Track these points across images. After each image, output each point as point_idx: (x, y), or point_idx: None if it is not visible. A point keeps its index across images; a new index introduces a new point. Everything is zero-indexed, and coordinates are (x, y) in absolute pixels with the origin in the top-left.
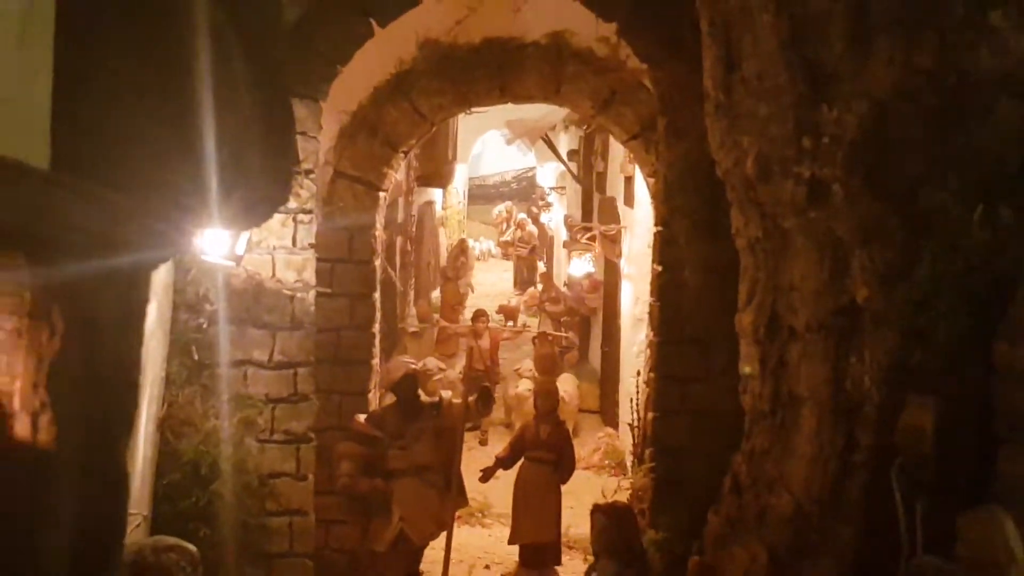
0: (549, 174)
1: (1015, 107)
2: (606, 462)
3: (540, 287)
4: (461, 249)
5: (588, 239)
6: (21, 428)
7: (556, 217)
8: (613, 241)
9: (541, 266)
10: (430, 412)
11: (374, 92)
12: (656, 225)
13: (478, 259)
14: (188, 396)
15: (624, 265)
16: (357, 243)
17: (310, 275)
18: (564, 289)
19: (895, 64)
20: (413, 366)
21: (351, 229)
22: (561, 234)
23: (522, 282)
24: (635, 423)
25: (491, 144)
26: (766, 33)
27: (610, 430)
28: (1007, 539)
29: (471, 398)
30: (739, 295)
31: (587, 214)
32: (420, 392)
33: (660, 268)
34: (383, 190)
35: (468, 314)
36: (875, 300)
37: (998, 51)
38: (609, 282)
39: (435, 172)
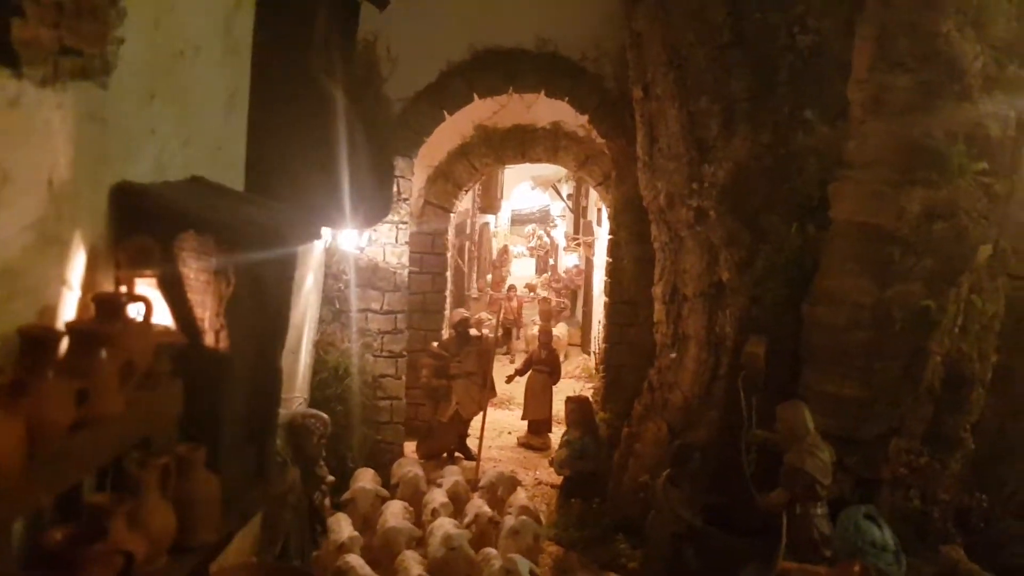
0: (557, 208)
1: (816, 165)
2: (582, 374)
3: (549, 274)
4: (504, 250)
5: (576, 244)
6: (210, 339)
7: (559, 233)
8: (589, 246)
9: (551, 261)
10: (475, 341)
11: (447, 155)
12: (610, 234)
13: (515, 257)
14: (332, 329)
15: (596, 260)
16: (437, 243)
17: (406, 260)
18: (563, 274)
19: (748, 140)
20: (465, 314)
21: (433, 234)
22: (562, 242)
23: (540, 271)
24: (596, 351)
25: (524, 189)
26: (672, 122)
27: (585, 356)
28: (805, 420)
29: (499, 334)
30: (655, 275)
31: (577, 230)
32: (470, 329)
33: (611, 260)
34: (452, 211)
35: (506, 288)
36: (732, 279)
37: (809, 133)
38: (587, 270)
39: (490, 205)
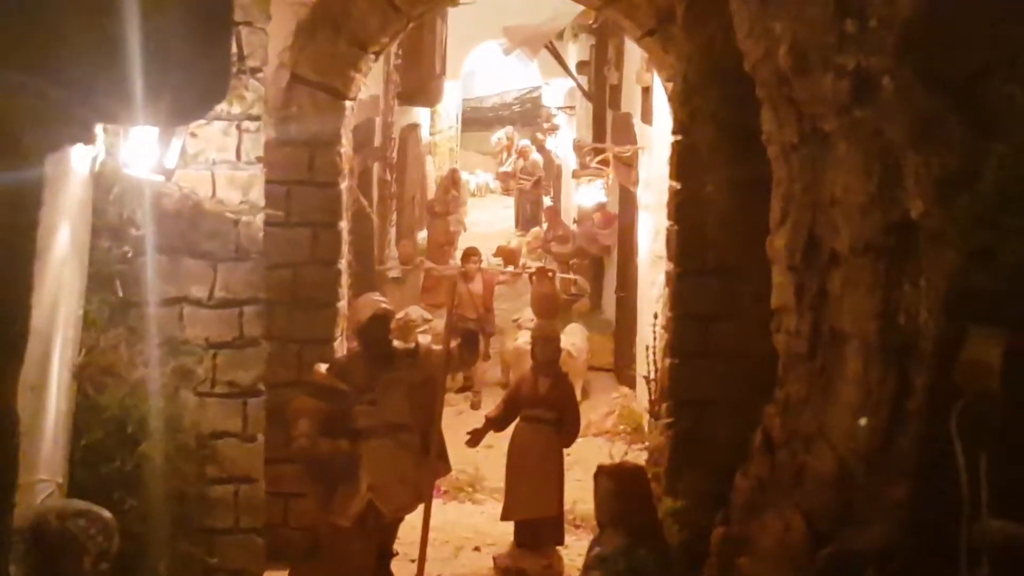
0: (556, 93)
1: None
2: (620, 427)
3: (545, 225)
4: (452, 180)
5: (599, 163)
6: None
7: (564, 143)
8: (628, 165)
9: (547, 201)
10: (405, 361)
11: None
12: (674, 134)
13: (473, 194)
14: (111, 340)
15: (641, 193)
16: (319, 162)
17: (258, 195)
18: (573, 227)
19: None
20: (384, 305)
21: (311, 145)
22: (570, 163)
23: (525, 221)
24: (651, 374)
25: (487, 59)
26: None
27: (625, 389)
28: None
29: (453, 343)
30: (771, 214)
31: (599, 135)
32: (392, 337)
33: (679, 185)
34: (350, 98)
35: (458, 256)
36: (932, 215)
37: None
38: (625, 216)
39: (419, 88)
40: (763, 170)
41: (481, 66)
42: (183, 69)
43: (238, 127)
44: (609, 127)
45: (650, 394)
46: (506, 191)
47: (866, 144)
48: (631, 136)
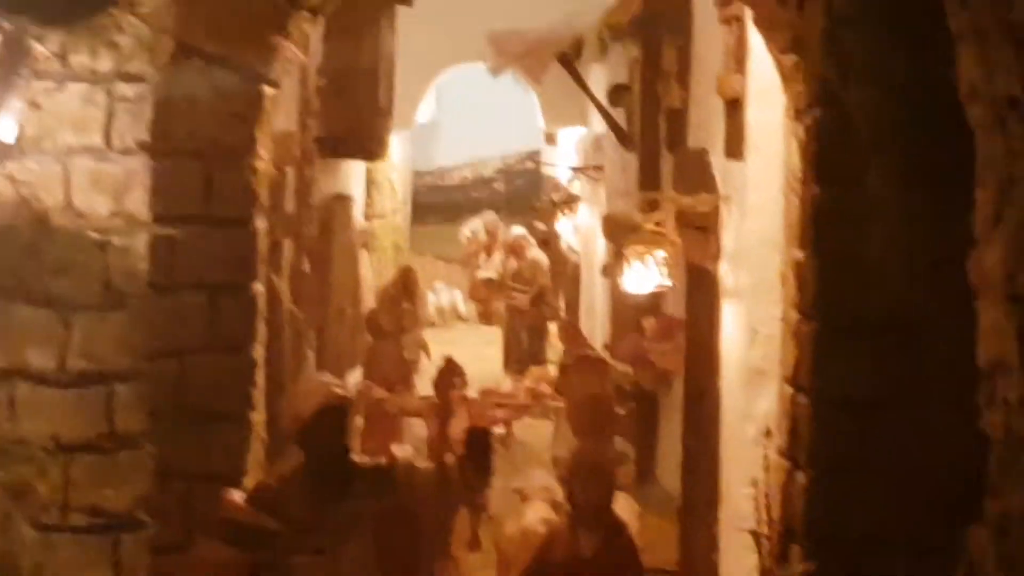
0: (569, 151)
1: None
2: None
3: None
4: (404, 283)
5: (655, 226)
6: None
7: (586, 226)
8: (703, 229)
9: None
10: (371, 483)
11: None
12: (808, 104)
13: (432, 323)
14: None
15: (727, 273)
16: (222, 184)
17: (140, 203)
18: (604, 353)
19: None
20: (339, 391)
21: (208, 157)
22: (597, 256)
23: (519, 358)
24: (763, 524)
25: (455, 101)
26: None
27: None
28: None
29: (451, 455)
30: (977, 215)
31: (651, 185)
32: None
33: (817, 187)
34: (271, 83)
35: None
36: None
37: None
38: (697, 317)
39: (353, 130)
40: (961, 150)
41: (448, 113)
42: None
43: (108, 93)
44: (669, 173)
45: (759, 542)
46: (485, 317)
47: None
48: (707, 182)
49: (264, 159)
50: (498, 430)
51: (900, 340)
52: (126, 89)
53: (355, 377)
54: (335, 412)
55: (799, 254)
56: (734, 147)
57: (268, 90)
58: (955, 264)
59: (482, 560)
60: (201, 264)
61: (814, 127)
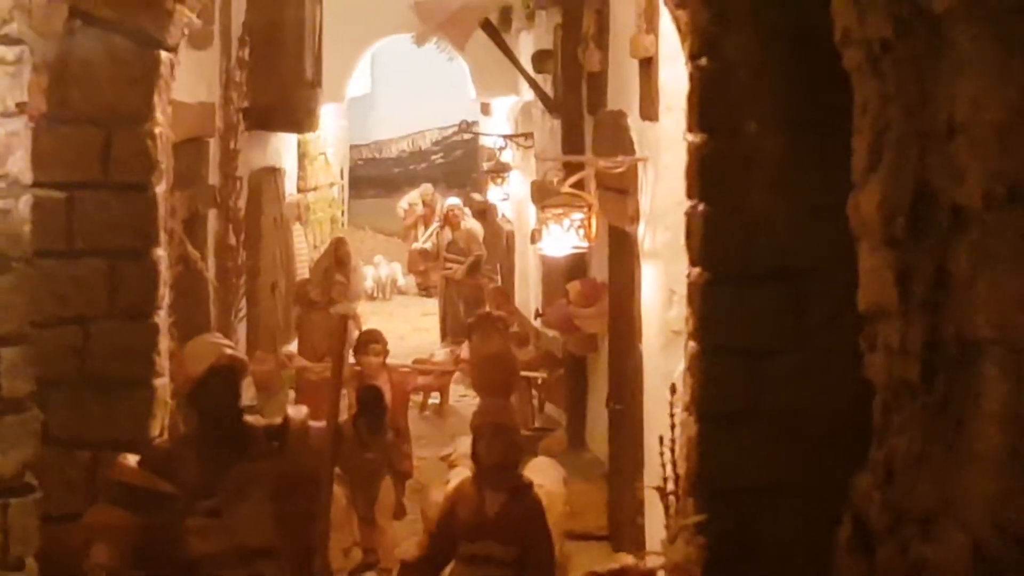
0: (502, 120)
1: None
2: None
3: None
4: (337, 256)
5: (572, 186)
6: None
7: (519, 195)
8: (621, 191)
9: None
10: (266, 445)
11: None
12: (692, 56)
13: (372, 296)
14: None
15: (645, 235)
16: (120, 150)
17: (22, 165)
18: (536, 322)
19: None
20: (229, 351)
21: (105, 123)
22: (529, 224)
23: (456, 328)
24: (669, 483)
25: (390, 74)
26: None
27: (627, 558)
28: None
29: (344, 414)
30: (854, 159)
31: (574, 149)
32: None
33: (703, 138)
34: (168, 48)
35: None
36: None
37: None
38: (619, 277)
39: (279, 102)
40: (838, 96)
41: (384, 85)
42: None
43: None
44: (590, 136)
45: (663, 491)
46: (424, 289)
47: (1006, 28)
48: (624, 144)
49: (162, 124)
50: (433, 400)
51: (787, 288)
52: (5, 52)
53: (290, 349)
54: (225, 372)
55: (693, 204)
56: (648, 108)
57: (165, 55)
58: (838, 210)
59: (409, 528)
60: (100, 230)
61: (697, 76)
